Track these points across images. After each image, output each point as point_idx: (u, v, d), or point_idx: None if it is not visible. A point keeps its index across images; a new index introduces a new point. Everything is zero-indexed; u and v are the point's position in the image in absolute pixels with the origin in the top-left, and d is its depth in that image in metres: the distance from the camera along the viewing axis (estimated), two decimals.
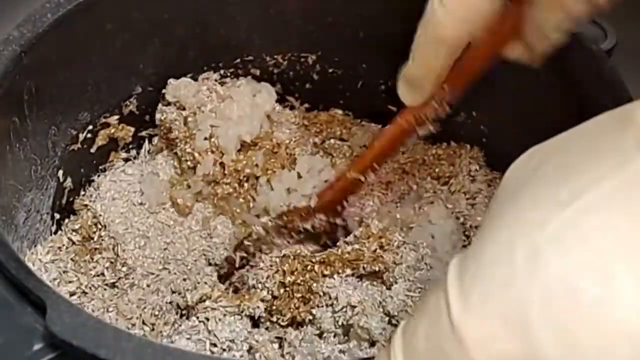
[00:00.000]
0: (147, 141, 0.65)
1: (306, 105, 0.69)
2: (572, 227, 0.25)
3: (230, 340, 0.49)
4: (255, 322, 0.53)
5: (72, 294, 0.54)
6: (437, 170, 0.62)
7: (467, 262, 0.27)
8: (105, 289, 0.55)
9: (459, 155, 0.63)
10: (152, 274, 0.56)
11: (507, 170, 0.30)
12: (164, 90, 0.62)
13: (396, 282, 0.53)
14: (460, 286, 0.27)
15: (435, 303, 0.27)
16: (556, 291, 0.24)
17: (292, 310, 0.52)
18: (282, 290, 0.53)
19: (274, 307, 0.53)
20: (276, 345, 0.50)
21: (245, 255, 0.57)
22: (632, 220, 0.24)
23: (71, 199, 0.60)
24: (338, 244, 0.57)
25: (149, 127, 0.64)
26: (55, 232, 0.58)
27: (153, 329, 0.53)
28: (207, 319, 0.50)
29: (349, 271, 0.53)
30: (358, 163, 0.55)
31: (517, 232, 0.26)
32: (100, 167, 0.63)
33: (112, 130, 0.62)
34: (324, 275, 0.53)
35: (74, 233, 0.58)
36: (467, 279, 0.27)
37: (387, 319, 0.50)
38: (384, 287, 0.53)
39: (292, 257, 0.55)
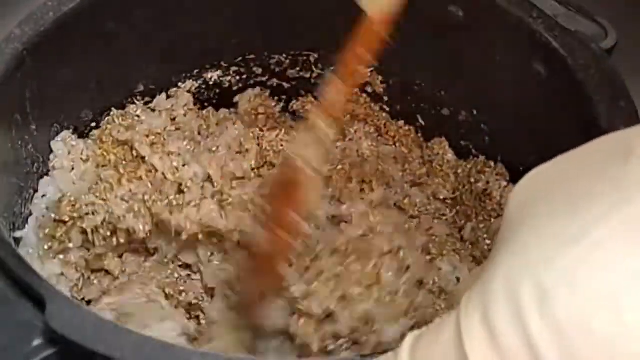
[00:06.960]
0: None
1: None
2: (579, 265, 0.25)
3: None
4: None
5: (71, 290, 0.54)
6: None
7: (478, 295, 0.27)
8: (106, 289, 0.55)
9: (483, 173, 0.61)
10: None
11: (509, 197, 0.31)
12: None
13: None
14: (470, 320, 0.27)
15: (451, 332, 0.28)
16: (567, 330, 0.24)
17: None
18: None
19: None
20: None
21: None
22: (638, 255, 0.24)
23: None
24: None
25: None
26: None
27: None
28: None
29: None
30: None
31: (522, 271, 0.26)
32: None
33: None
34: None
35: None
36: (476, 315, 0.27)
37: None
38: None
39: None
